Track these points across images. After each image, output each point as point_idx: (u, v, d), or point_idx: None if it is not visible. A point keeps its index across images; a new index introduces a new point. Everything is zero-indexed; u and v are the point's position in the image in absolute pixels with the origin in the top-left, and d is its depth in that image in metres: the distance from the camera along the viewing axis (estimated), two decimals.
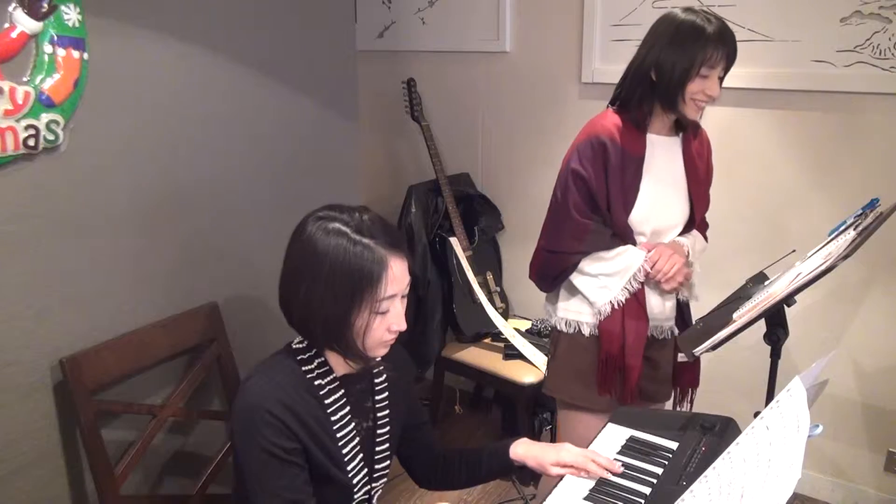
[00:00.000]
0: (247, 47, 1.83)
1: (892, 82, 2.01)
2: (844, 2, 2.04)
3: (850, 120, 2.12)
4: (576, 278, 1.68)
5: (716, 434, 1.34)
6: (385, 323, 1.17)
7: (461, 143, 2.95)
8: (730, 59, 1.56)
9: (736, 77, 2.25)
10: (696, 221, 1.75)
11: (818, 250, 1.47)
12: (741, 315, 1.47)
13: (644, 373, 1.70)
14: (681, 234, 1.74)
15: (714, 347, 1.46)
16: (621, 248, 1.64)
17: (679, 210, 1.71)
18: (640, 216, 1.64)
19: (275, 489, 1.14)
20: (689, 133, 1.70)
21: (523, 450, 1.34)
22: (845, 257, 1.44)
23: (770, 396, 1.60)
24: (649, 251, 1.65)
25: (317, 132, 2.10)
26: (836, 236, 1.46)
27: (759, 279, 1.59)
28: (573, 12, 2.53)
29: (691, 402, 1.87)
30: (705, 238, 1.83)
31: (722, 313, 1.51)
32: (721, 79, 1.57)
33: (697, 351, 1.46)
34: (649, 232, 1.67)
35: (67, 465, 1.54)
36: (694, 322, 1.56)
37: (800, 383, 0.96)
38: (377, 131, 3.15)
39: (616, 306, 1.65)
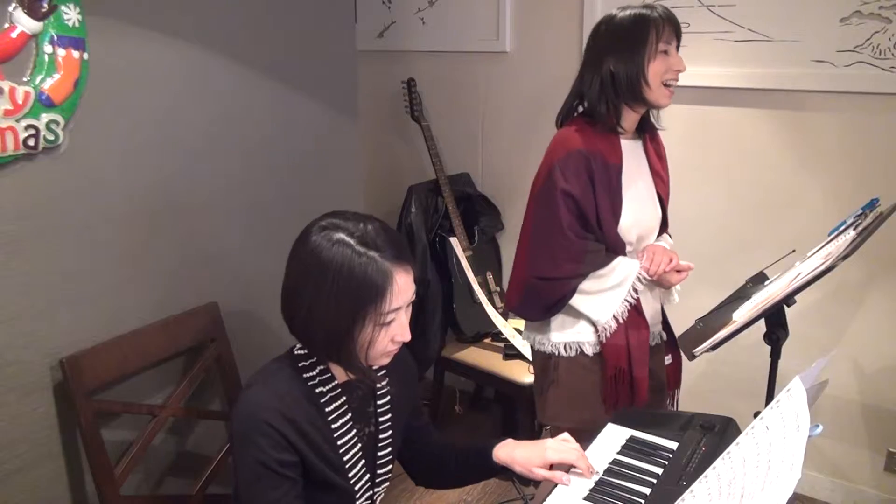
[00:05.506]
0: (247, 47, 1.83)
1: (892, 82, 2.01)
2: (844, 2, 2.04)
3: (849, 120, 2.12)
4: (575, 300, 1.62)
5: (716, 434, 1.34)
6: (389, 334, 1.15)
7: (461, 143, 2.95)
8: (678, 36, 1.55)
9: (736, 77, 2.27)
10: (667, 223, 1.74)
11: (818, 250, 1.48)
12: (741, 315, 1.47)
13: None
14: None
15: (714, 347, 1.46)
16: (615, 261, 1.61)
17: (655, 213, 1.70)
18: (626, 224, 1.62)
19: (266, 501, 1.13)
20: (648, 134, 1.69)
21: (506, 453, 1.31)
22: (845, 257, 1.44)
23: (770, 396, 1.60)
24: (641, 257, 1.64)
25: (317, 132, 2.10)
26: (836, 236, 1.47)
27: (759, 279, 1.59)
28: (573, 12, 2.53)
29: (676, 403, 1.85)
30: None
31: (722, 313, 1.52)
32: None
33: (697, 351, 1.46)
34: (635, 239, 1.66)
35: (67, 465, 1.54)
36: (694, 322, 1.55)
37: (800, 383, 0.96)
38: (377, 131, 3.15)
39: (620, 319, 1.62)
